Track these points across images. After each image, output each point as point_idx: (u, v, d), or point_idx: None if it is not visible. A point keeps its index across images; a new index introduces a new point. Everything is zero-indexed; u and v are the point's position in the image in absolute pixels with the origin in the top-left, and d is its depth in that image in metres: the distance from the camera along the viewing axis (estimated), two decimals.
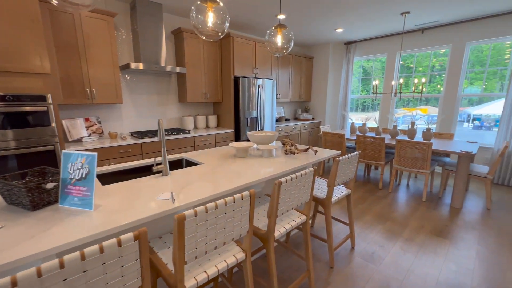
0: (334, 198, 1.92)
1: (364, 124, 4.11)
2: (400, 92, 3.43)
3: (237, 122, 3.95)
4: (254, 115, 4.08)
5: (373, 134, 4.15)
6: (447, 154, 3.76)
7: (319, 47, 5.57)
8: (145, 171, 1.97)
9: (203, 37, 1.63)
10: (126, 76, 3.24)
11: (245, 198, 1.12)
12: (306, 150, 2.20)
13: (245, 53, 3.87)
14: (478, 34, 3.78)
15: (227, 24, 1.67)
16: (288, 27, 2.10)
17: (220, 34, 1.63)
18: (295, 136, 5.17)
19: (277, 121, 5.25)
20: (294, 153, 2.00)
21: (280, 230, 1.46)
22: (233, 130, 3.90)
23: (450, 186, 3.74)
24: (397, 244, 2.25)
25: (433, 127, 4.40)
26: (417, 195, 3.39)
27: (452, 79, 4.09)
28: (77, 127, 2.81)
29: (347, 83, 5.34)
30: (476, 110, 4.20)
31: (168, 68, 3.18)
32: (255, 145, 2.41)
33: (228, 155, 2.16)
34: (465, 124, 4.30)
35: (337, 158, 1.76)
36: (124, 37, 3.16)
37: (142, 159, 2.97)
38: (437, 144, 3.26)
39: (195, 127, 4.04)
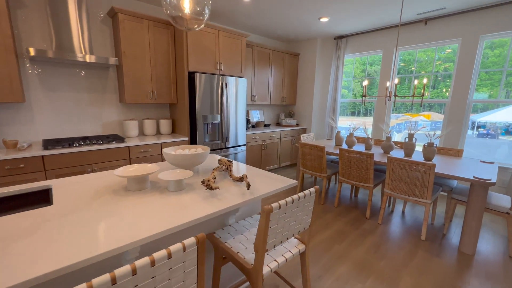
0: (267, 268, 1.15)
1: (351, 134, 3.35)
2: (395, 96, 2.67)
3: (193, 128, 3.20)
4: (217, 120, 3.33)
5: (362, 148, 3.38)
6: None
7: (305, 42, 4.82)
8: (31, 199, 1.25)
9: (179, 27, 1.43)
10: (37, 68, 2.51)
11: None
12: (241, 179, 1.44)
13: (204, 44, 3.13)
14: (495, 25, 3.02)
15: (208, 12, 1.42)
16: None
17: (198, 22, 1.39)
18: (274, 146, 4.41)
19: (253, 127, 4.50)
20: (211, 188, 1.24)
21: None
22: (187, 138, 3.16)
23: (458, 216, 2.95)
24: None
25: (437, 140, 3.63)
26: (414, 228, 2.61)
27: (461, 81, 3.32)
28: None
29: (337, 85, 4.58)
30: (485, 117, 3.43)
31: (91, 59, 2.45)
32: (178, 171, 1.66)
33: (121, 184, 1.41)
34: (470, 132, 3.56)
35: (268, 207, 1.01)
36: (33, 16, 2.43)
37: (46, 178, 2.23)
38: (441, 165, 2.48)
39: (142, 134, 3.30)
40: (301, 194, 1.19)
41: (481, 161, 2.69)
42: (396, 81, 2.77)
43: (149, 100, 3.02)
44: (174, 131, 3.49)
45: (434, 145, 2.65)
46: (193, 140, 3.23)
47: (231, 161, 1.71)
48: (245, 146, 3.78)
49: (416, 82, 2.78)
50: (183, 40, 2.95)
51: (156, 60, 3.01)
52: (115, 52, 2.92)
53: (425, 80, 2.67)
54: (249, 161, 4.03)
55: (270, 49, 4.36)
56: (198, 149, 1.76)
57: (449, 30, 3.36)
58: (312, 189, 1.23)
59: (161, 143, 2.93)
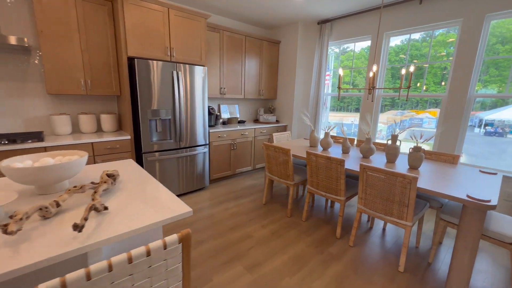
0: None
1: (326, 135, 2.82)
2: (373, 87, 2.13)
3: (137, 125, 2.71)
4: (168, 115, 2.83)
5: (340, 150, 2.85)
6: None
7: (286, 28, 4.25)
8: None
9: None
10: None
11: None
12: (89, 210, 0.94)
13: (149, 24, 2.61)
14: (505, 1, 2.43)
15: None
16: None
17: None
18: (246, 145, 3.90)
19: (224, 123, 3.99)
20: (7, 232, 0.74)
21: None
22: (129, 138, 2.67)
23: (450, 237, 2.42)
24: None
25: (428, 143, 3.07)
26: (394, 254, 2.10)
27: (460, 72, 2.75)
28: None
29: (320, 76, 4.02)
30: (493, 115, 2.88)
31: None
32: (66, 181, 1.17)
33: None
34: (476, 130, 3.01)
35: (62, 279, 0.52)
36: None
37: None
38: (428, 176, 1.95)
39: (79, 131, 2.82)
40: (153, 245, 0.69)
41: (480, 171, 2.15)
42: (375, 68, 2.22)
43: (81, 91, 2.53)
44: (121, 128, 3.01)
45: (421, 149, 2.11)
46: (137, 139, 2.74)
47: (115, 176, 1.21)
48: (207, 146, 3.28)
49: (403, 71, 2.23)
50: (120, 17, 2.43)
51: (89, 43, 2.50)
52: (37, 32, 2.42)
53: (411, 68, 2.12)
54: (215, 163, 3.54)
55: (243, 35, 3.82)
56: (74, 157, 1.26)
57: (448, 8, 2.77)
58: (173, 237, 0.73)
59: (92, 143, 2.45)
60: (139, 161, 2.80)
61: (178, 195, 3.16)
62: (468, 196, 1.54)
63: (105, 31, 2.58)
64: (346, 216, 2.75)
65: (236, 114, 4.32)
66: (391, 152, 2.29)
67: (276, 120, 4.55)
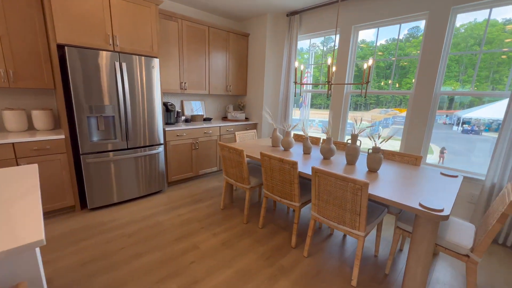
0: None
1: (287, 134, 2.61)
2: (329, 82, 1.93)
3: (73, 123, 2.39)
4: (110, 112, 2.52)
5: (301, 150, 2.66)
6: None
7: (255, 20, 4.01)
8: None
9: None
10: None
11: None
12: None
13: (84, 7, 2.29)
14: None
15: None
16: None
17: None
18: (211, 145, 3.65)
19: (188, 121, 3.70)
20: None
21: None
22: (63, 137, 2.34)
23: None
24: None
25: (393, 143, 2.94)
26: (349, 265, 1.93)
27: (426, 68, 2.61)
28: None
29: (289, 71, 3.81)
30: (469, 114, 2.82)
31: None
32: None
33: None
34: (455, 128, 2.94)
35: None
36: None
37: None
38: (385, 179, 1.78)
39: (4, 130, 2.46)
40: None
41: (441, 173, 2.01)
42: (329, 60, 2.02)
43: (2, 82, 2.18)
44: (60, 126, 2.67)
45: (380, 149, 1.94)
46: (74, 139, 2.42)
47: None
48: (162, 146, 2.99)
49: (365, 66, 2.05)
50: None
51: (10, 27, 2.15)
52: None
53: (370, 62, 1.93)
54: (174, 164, 3.26)
55: (206, 26, 3.53)
56: None
57: (415, 0, 2.62)
58: None
59: (13, 143, 2.11)
60: (78, 163, 2.48)
61: (128, 200, 2.87)
62: (420, 204, 1.37)
63: (30, 14, 2.23)
64: (306, 222, 2.57)
65: (202, 111, 4.04)
66: (351, 153, 2.11)
67: (246, 118, 4.31)
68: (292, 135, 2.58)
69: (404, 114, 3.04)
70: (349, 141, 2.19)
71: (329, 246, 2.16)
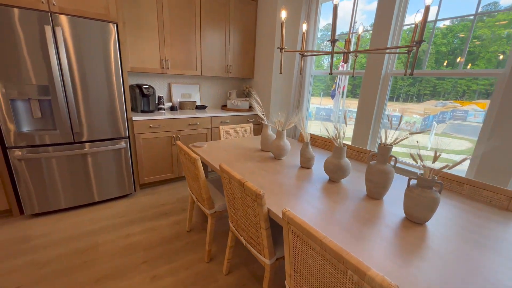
0: None
1: (279, 135, 1.71)
2: (347, 52, 0.99)
3: None
4: (48, 94, 1.92)
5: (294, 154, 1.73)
6: None
7: None
8: None
9: None
10: None
11: None
12: None
13: None
14: None
15: None
16: None
17: None
18: (197, 139, 2.91)
19: (173, 109, 3.00)
20: None
21: None
22: None
23: None
24: None
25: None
26: None
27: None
28: None
29: (305, 45, 2.80)
30: None
31: None
32: None
33: None
34: None
35: None
36: None
37: None
38: (433, 255, 0.81)
39: None
40: None
41: None
42: (304, 27, 1.04)
43: None
44: None
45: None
46: None
47: None
48: (126, 140, 2.35)
49: (415, 19, 1.04)
50: None
51: None
52: None
53: (360, 29, 1.15)
54: (147, 162, 2.61)
55: None
56: None
57: None
58: None
59: None
60: (5, 160, 1.97)
61: (83, 206, 2.32)
62: None
63: None
64: None
65: (196, 98, 3.31)
66: (375, 180, 1.15)
67: (250, 107, 3.45)
68: (285, 136, 1.69)
69: (483, 109, 1.86)
70: (376, 156, 1.22)
71: None
